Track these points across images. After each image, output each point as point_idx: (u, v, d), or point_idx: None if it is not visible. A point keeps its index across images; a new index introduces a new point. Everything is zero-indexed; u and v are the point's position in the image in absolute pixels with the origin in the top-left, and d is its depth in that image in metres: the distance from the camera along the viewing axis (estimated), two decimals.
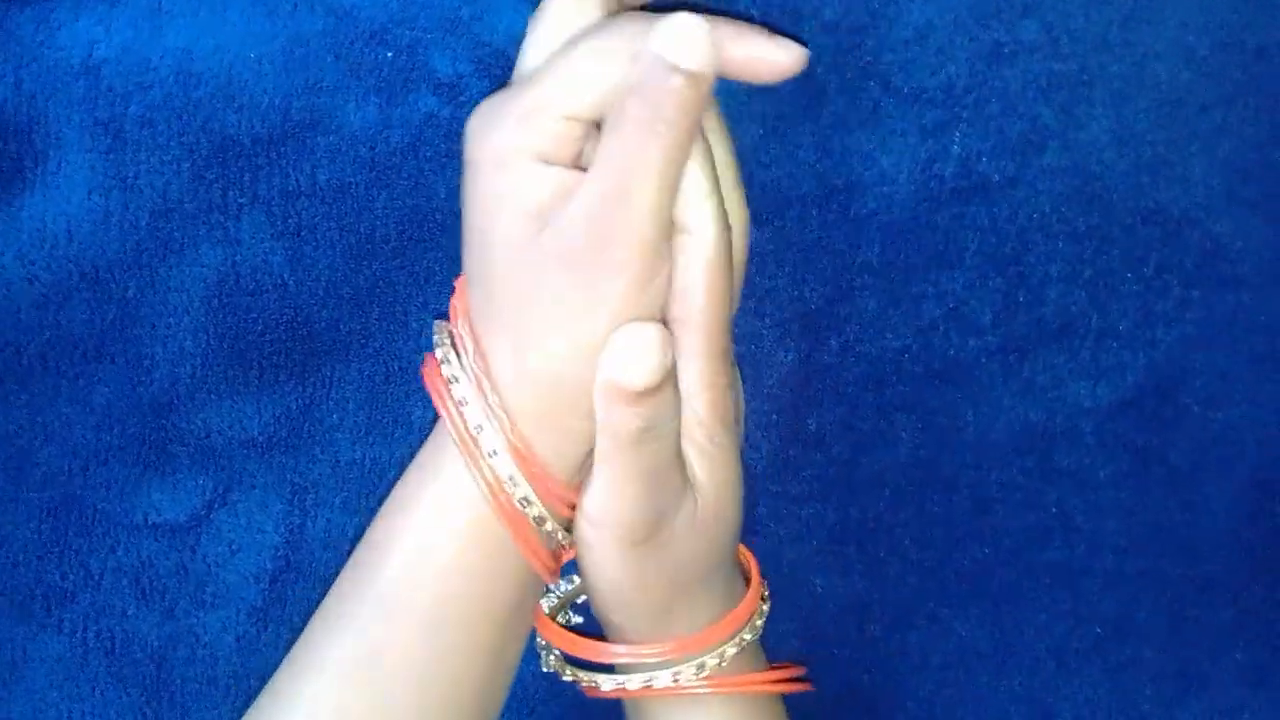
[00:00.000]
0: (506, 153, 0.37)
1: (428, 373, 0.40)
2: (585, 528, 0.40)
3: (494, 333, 0.38)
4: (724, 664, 0.43)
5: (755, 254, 0.48)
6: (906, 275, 0.49)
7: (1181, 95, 0.48)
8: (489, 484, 0.38)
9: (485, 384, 0.38)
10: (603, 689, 0.44)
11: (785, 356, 0.50)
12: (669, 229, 0.37)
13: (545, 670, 0.46)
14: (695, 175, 0.38)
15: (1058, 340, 0.50)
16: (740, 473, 0.42)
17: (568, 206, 0.36)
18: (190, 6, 0.47)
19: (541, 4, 0.39)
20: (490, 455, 0.38)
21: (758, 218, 0.48)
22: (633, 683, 0.43)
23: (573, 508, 0.40)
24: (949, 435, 0.51)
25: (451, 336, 0.40)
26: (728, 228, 0.38)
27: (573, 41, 0.37)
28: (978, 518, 0.52)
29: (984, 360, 0.50)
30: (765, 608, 0.46)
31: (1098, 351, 0.50)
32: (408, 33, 0.48)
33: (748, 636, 0.44)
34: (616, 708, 0.48)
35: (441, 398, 0.39)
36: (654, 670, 0.43)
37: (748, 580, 0.46)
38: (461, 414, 0.38)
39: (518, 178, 0.37)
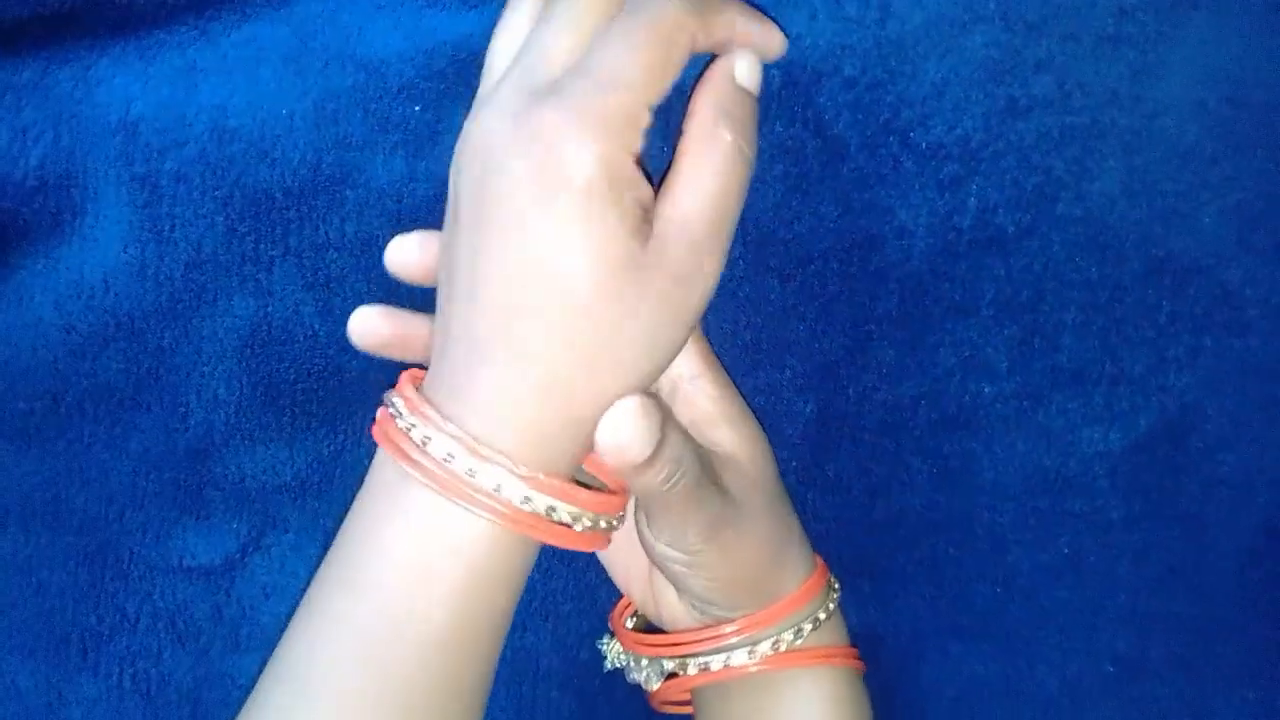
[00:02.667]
0: (625, 163, 0.36)
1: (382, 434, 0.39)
2: (662, 550, 0.44)
3: (515, 384, 0.37)
4: (801, 638, 0.46)
5: (777, 307, 0.50)
6: (924, 325, 0.50)
7: (1191, 147, 0.49)
8: (502, 515, 0.37)
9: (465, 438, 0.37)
10: (712, 667, 0.46)
11: (805, 407, 0.51)
12: None
13: (644, 686, 0.49)
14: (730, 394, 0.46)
15: (1071, 386, 0.51)
16: (762, 434, 0.46)
17: (673, 217, 0.38)
18: (224, 64, 0.48)
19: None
20: (496, 490, 0.37)
21: (780, 273, 0.49)
22: (715, 663, 0.46)
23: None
24: (963, 479, 0.52)
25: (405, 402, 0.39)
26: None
27: (612, 33, 0.37)
28: (991, 558, 0.53)
29: (999, 406, 0.51)
30: (836, 590, 0.49)
31: (1110, 397, 0.51)
32: (435, 87, 0.49)
33: (821, 615, 0.47)
34: None
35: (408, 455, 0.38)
36: (733, 650, 0.46)
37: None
38: (446, 466, 0.37)
39: (635, 187, 0.37)
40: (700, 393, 0.45)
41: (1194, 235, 0.50)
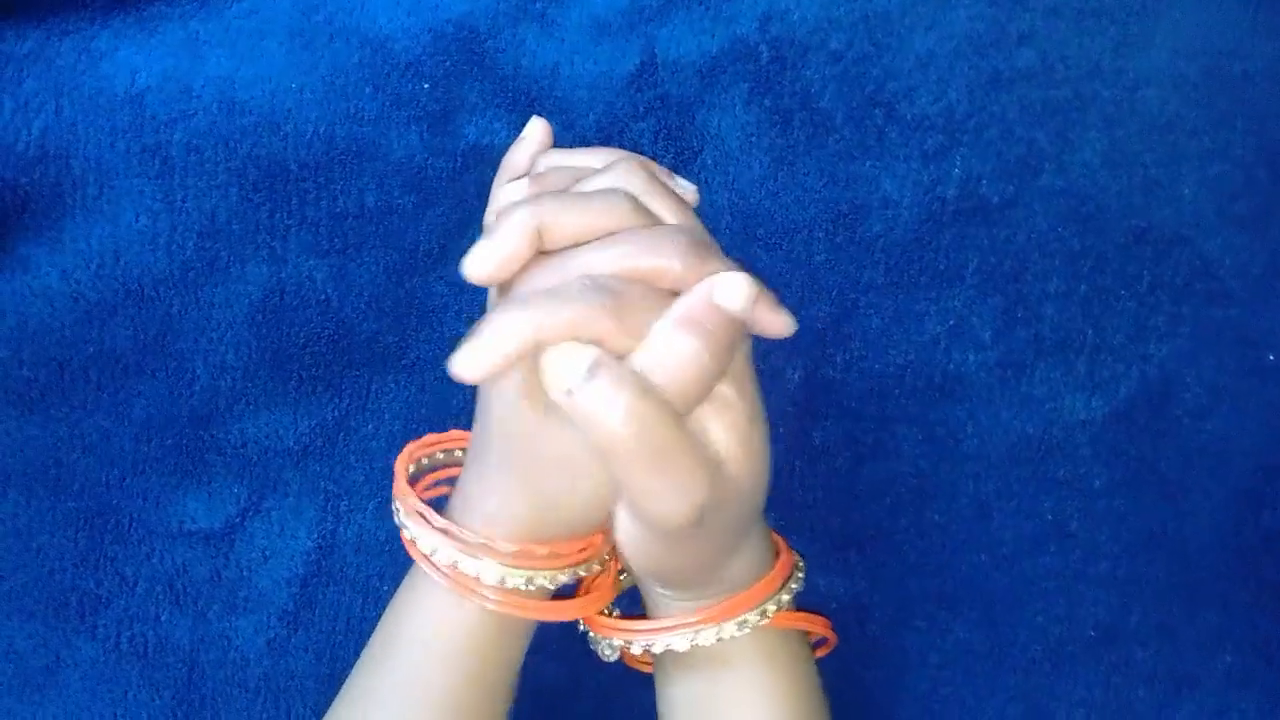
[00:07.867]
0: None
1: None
2: (627, 523, 0.43)
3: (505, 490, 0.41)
4: (746, 629, 0.46)
5: (764, 276, 0.51)
6: (910, 294, 0.51)
7: (1171, 119, 0.51)
8: (508, 603, 0.42)
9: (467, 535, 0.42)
10: (654, 650, 0.46)
11: (793, 374, 0.52)
12: None
13: (606, 659, 0.49)
14: None
15: (1054, 355, 0.52)
16: (763, 431, 0.44)
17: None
18: (228, 37, 0.49)
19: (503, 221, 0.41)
20: (500, 584, 0.42)
21: (767, 243, 0.51)
22: (679, 643, 0.46)
23: (585, 550, 0.43)
24: (948, 446, 0.53)
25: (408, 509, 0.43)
26: None
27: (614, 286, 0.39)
28: (975, 525, 0.54)
29: (983, 374, 0.52)
30: (801, 573, 0.48)
31: (1093, 366, 0.52)
32: (441, 64, 0.50)
33: (785, 597, 0.47)
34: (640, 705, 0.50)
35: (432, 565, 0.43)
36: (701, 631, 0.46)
37: (778, 551, 0.48)
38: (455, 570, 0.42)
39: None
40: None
41: (1174, 206, 0.51)
